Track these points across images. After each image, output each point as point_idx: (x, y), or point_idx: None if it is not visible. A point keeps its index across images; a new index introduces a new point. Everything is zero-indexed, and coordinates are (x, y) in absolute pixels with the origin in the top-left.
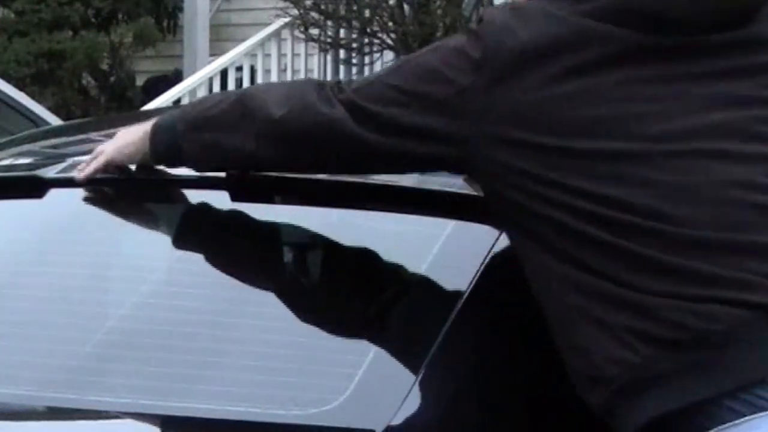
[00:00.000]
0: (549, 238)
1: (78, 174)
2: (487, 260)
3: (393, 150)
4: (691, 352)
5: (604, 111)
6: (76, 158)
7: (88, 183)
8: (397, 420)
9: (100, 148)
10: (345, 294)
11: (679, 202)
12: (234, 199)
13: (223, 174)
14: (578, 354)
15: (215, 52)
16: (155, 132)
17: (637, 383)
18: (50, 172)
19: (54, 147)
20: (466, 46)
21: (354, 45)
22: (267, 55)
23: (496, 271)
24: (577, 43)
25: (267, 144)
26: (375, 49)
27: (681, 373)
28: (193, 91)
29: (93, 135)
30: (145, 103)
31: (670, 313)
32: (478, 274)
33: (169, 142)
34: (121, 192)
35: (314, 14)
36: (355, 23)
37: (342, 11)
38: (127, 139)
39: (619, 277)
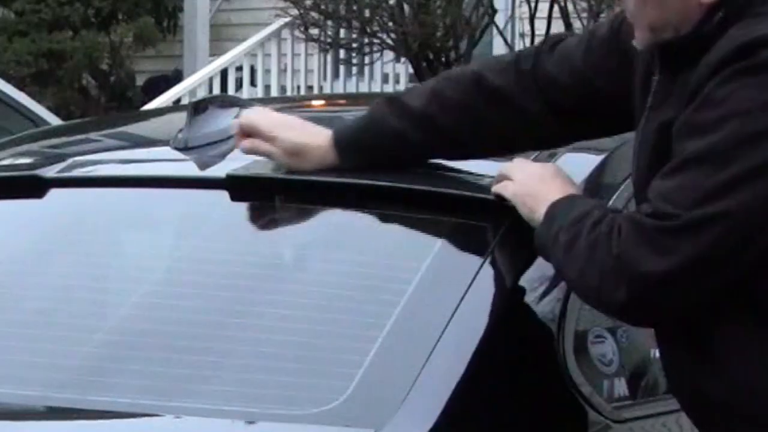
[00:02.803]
0: None
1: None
2: (486, 260)
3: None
4: None
5: None
6: (76, 158)
7: (88, 183)
8: (397, 420)
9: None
10: (345, 294)
11: None
12: (234, 199)
13: (222, 174)
14: None
15: (215, 52)
16: None
17: None
18: (50, 172)
19: (54, 147)
20: None
21: (354, 45)
22: (267, 55)
23: (496, 271)
24: None
25: None
26: (375, 49)
27: None
28: (193, 91)
29: (93, 135)
30: (145, 103)
31: None
32: (478, 274)
33: None
34: (122, 192)
35: (314, 14)
36: (355, 23)
37: (342, 11)
38: None
39: None
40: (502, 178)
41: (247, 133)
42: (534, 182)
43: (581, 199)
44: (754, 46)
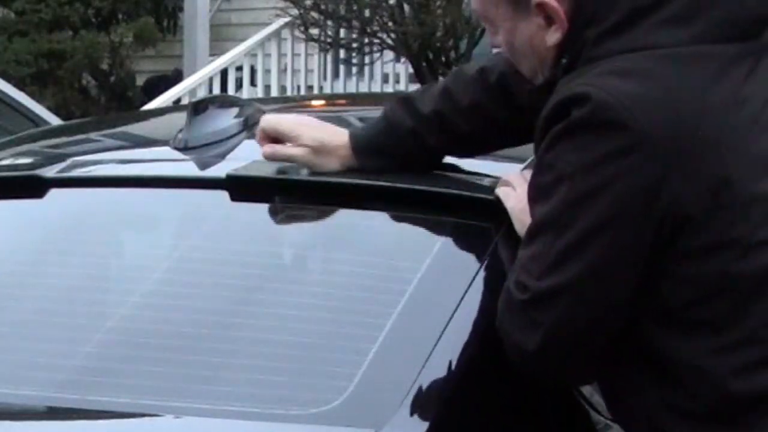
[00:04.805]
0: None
1: None
2: (487, 260)
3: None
4: None
5: None
6: (76, 158)
7: (88, 183)
8: (397, 420)
9: None
10: (345, 294)
11: None
12: (234, 199)
13: (222, 174)
14: None
15: (215, 52)
16: None
17: None
18: (50, 172)
19: (54, 147)
20: (601, 144)
21: (354, 45)
22: (267, 55)
23: (496, 271)
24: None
25: None
26: (375, 49)
27: None
28: (193, 91)
29: (93, 135)
30: (145, 103)
31: None
32: (478, 274)
33: None
34: (122, 192)
35: (314, 14)
36: (355, 23)
37: (342, 11)
38: None
39: None
40: (506, 184)
41: (270, 136)
42: None
43: None
44: (568, 105)
